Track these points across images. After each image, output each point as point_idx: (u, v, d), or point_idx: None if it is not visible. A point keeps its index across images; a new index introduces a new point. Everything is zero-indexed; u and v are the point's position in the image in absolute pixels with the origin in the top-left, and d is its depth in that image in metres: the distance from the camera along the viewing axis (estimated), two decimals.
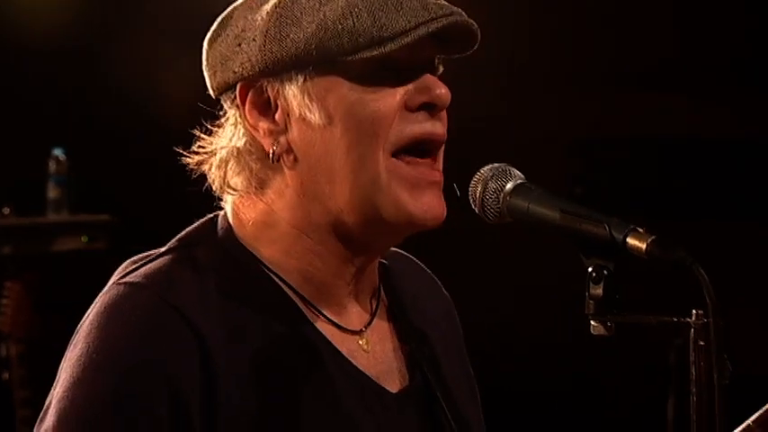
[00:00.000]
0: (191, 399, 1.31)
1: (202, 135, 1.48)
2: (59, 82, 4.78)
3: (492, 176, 1.38)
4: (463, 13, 1.40)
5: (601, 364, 4.25)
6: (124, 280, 1.39)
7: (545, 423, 4.71)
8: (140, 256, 1.46)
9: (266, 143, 1.42)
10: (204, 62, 1.48)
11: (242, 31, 1.42)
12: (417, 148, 1.41)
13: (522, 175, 1.38)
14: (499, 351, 4.50)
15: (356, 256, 1.45)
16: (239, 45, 1.42)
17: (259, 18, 1.40)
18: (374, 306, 1.53)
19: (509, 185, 1.37)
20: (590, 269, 1.30)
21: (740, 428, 1.55)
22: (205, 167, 1.47)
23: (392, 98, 1.39)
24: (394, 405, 1.47)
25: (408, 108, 1.40)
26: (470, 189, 1.41)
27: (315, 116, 1.39)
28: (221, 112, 1.48)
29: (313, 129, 1.40)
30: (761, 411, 1.60)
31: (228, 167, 1.45)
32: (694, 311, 1.21)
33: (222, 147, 1.46)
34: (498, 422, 1.85)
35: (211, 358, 1.33)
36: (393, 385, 1.48)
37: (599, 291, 1.28)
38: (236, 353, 1.35)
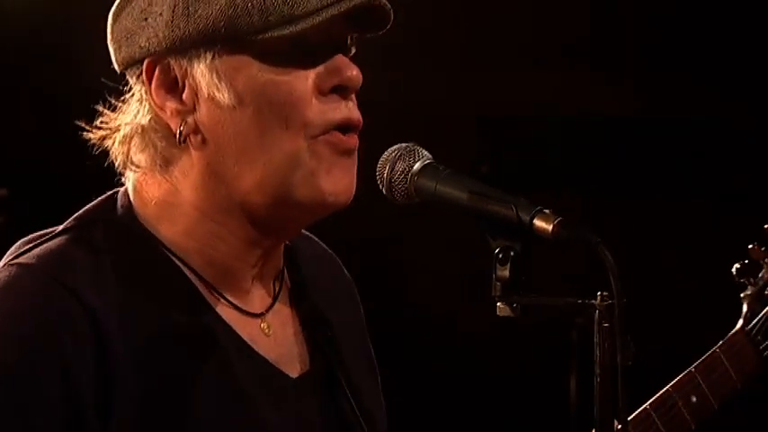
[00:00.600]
0: (84, 384, 1.27)
1: (105, 110, 1.43)
2: None
3: (399, 156, 1.37)
4: None
5: (504, 343, 4.28)
6: (16, 261, 1.35)
7: (448, 403, 4.72)
8: (35, 235, 1.41)
9: (173, 123, 1.38)
10: (109, 35, 1.43)
11: (148, 5, 1.37)
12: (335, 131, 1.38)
13: (430, 155, 1.37)
14: (406, 334, 4.50)
15: (261, 239, 1.42)
16: (146, 20, 1.37)
17: None
18: (277, 289, 1.50)
19: (417, 165, 1.36)
20: (496, 250, 1.29)
21: (638, 411, 1.58)
22: (108, 143, 1.42)
23: (304, 80, 1.36)
24: (294, 390, 1.45)
25: (321, 91, 1.36)
26: (378, 170, 1.38)
27: (224, 96, 1.35)
28: (126, 88, 1.44)
29: (222, 109, 1.36)
30: (658, 395, 1.63)
31: (132, 144, 1.41)
32: (599, 293, 1.22)
33: (126, 123, 1.41)
34: (402, 402, 1.84)
35: (107, 343, 1.29)
36: (293, 370, 1.46)
37: (505, 272, 1.28)
38: (133, 338, 1.31)
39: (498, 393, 4.69)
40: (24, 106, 4.66)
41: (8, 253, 1.40)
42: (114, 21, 1.42)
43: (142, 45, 1.38)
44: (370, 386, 1.59)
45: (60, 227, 1.41)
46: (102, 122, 1.43)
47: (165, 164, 1.40)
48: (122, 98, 1.44)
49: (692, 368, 1.69)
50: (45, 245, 1.37)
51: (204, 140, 1.37)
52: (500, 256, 1.29)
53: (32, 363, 1.26)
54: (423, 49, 4.69)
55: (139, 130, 1.40)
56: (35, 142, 4.57)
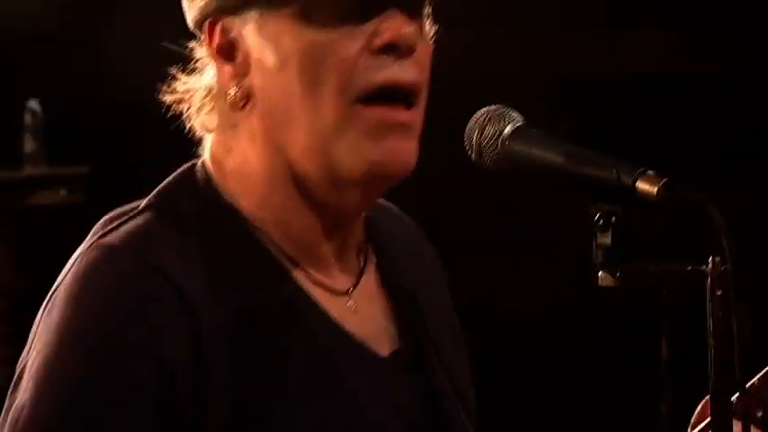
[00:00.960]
0: (177, 364, 1.22)
1: (178, 73, 1.37)
2: None
3: (489, 119, 1.28)
4: None
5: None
6: (102, 242, 1.29)
7: (529, 372, 4.66)
8: (118, 212, 1.35)
9: (229, 87, 1.32)
10: None
11: None
12: (385, 97, 1.29)
13: (521, 117, 1.29)
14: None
15: (330, 212, 1.34)
16: None
17: None
18: (362, 264, 1.43)
19: (508, 128, 1.27)
20: (596, 216, 1.21)
21: (761, 374, 1.48)
22: (183, 107, 1.37)
23: (351, 40, 1.27)
24: (386, 369, 1.38)
25: (371, 50, 1.27)
26: (466, 134, 1.30)
27: (270, 58, 1.28)
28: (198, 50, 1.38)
29: (270, 72, 1.29)
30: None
31: (204, 108, 1.36)
32: (711, 258, 1.13)
33: (198, 86, 1.36)
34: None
35: (197, 323, 1.23)
36: (384, 348, 1.39)
37: (607, 239, 1.20)
38: (222, 316, 1.26)
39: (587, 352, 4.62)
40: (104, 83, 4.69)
41: (92, 232, 1.34)
42: None
43: (201, 6, 1.32)
44: (460, 362, 1.52)
45: (143, 202, 1.35)
46: (175, 86, 1.37)
47: (233, 130, 1.34)
48: (196, 59, 1.37)
49: None
50: (130, 223, 1.31)
51: (257, 105, 1.31)
52: (600, 222, 1.20)
53: (125, 345, 1.22)
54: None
55: (209, 94, 1.35)
56: (116, 118, 4.59)
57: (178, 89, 1.37)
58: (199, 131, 1.38)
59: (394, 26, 1.27)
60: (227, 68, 1.32)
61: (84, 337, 1.24)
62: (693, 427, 1.49)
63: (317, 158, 1.29)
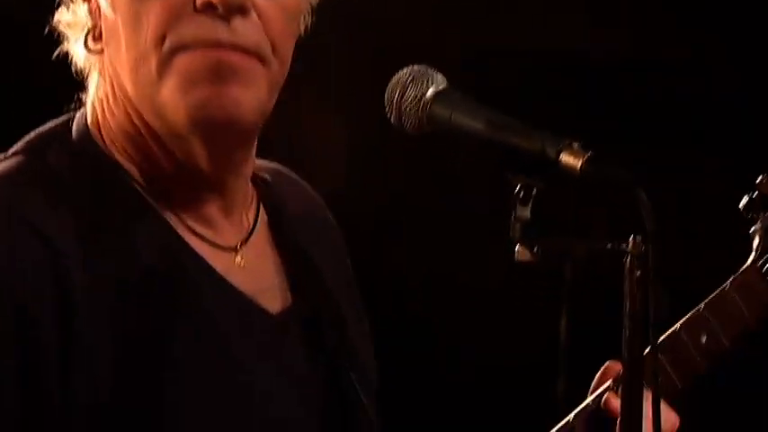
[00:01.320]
0: (44, 322, 1.17)
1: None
2: None
3: (411, 80, 1.23)
4: None
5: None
6: None
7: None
8: None
9: (89, 23, 1.29)
10: None
11: None
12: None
13: (445, 79, 1.24)
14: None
15: (188, 167, 1.29)
16: None
17: None
18: (251, 222, 1.39)
19: (430, 91, 1.22)
20: (517, 188, 1.17)
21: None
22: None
23: None
24: (274, 327, 1.34)
25: (195, 7, 1.23)
26: (387, 95, 1.25)
27: (104, 6, 1.26)
28: None
29: (107, 19, 1.26)
30: (665, 336, 1.54)
31: (76, 45, 1.32)
32: (632, 237, 1.10)
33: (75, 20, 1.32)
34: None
35: (67, 277, 1.18)
36: (274, 304, 1.35)
37: (526, 212, 1.16)
38: (97, 271, 1.20)
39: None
40: None
41: None
42: None
43: None
44: (360, 332, 1.49)
45: (9, 151, 1.29)
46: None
47: (98, 71, 1.31)
48: None
49: (700, 306, 1.59)
50: None
51: (102, 49, 1.29)
52: (521, 194, 1.17)
53: None
54: None
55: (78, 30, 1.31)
56: None
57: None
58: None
59: None
60: (83, 6, 1.29)
61: None
62: (593, 392, 1.49)
63: (146, 107, 1.25)
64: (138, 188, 1.29)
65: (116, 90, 1.28)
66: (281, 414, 1.30)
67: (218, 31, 1.22)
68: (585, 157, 1.13)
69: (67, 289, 1.17)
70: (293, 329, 1.36)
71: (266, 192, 1.43)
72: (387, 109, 1.25)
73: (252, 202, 1.40)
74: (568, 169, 1.14)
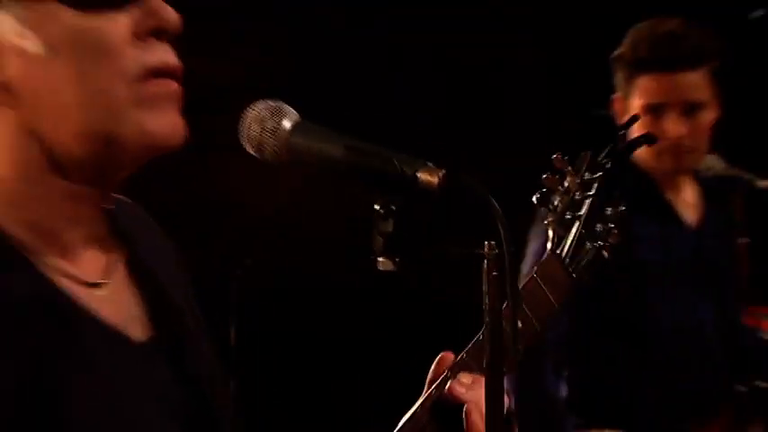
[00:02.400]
0: None
1: None
2: None
3: (269, 115, 1.32)
4: None
5: None
6: None
7: None
8: None
9: None
10: None
11: None
12: (159, 74, 1.31)
13: (297, 113, 1.34)
14: None
15: (83, 194, 1.34)
16: None
17: None
18: (113, 251, 1.43)
19: (287, 123, 1.32)
20: (377, 206, 1.28)
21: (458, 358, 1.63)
22: None
23: (119, 24, 1.27)
24: (143, 354, 1.38)
25: (137, 36, 1.29)
26: (243, 128, 1.33)
27: (34, 46, 1.26)
28: None
29: (34, 62, 1.26)
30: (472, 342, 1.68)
31: None
32: (487, 242, 1.24)
33: None
34: None
35: None
36: (139, 334, 1.39)
37: (388, 227, 1.28)
38: None
39: None
40: None
41: None
42: None
43: None
44: (208, 349, 1.55)
45: None
46: None
47: None
48: None
49: None
50: None
51: (15, 97, 1.28)
52: (381, 211, 1.28)
53: None
54: None
55: None
56: None
57: None
58: None
59: (158, 12, 1.30)
60: None
61: None
62: (430, 384, 1.62)
63: (94, 138, 1.28)
64: (4, 236, 1.29)
65: (14, 137, 1.29)
66: (152, 425, 1.34)
67: (170, 54, 1.31)
68: (441, 173, 1.25)
69: None
70: (156, 355, 1.40)
71: (115, 224, 1.46)
72: (244, 140, 1.33)
73: (108, 235, 1.43)
74: (426, 186, 1.26)
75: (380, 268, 1.29)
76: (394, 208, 1.28)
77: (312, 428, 4.98)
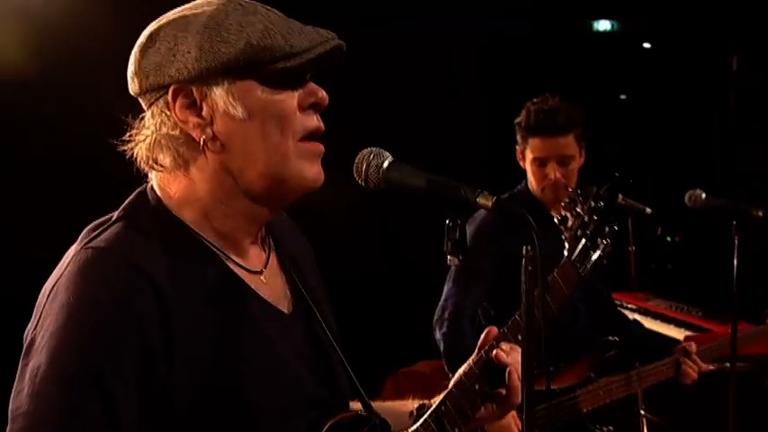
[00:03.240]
0: (153, 334, 1.66)
1: (132, 125, 1.84)
2: None
3: (373, 157, 1.86)
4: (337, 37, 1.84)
5: None
6: (91, 245, 1.72)
7: None
8: (96, 223, 1.80)
9: (195, 133, 1.79)
10: (134, 67, 1.81)
11: (175, 44, 1.76)
12: (310, 136, 1.85)
13: (390, 155, 1.88)
14: None
15: (259, 215, 1.87)
16: (174, 56, 1.76)
17: (190, 36, 1.75)
18: (267, 250, 1.98)
19: (386, 162, 1.86)
20: (447, 221, 1.82)
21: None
22: (135, 151, 1.83)
23: (292, 99, 1.81)
24: (290, 322, 1.92)
25: (301, 107, 1.82)
26: (356, 166, 1.88)
27: (237, 111, 1.77)
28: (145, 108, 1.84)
29: (235, 121, 1.78)
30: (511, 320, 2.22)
31: (157, 150, 1.81)
32: (524, 247, 1.74)
33: (150, 134, 1.82)
34: None
35: (165, 302, 1.68)
36: (286, 308, 1.93)
37: (455, 235, 1.81)
38: (181, 296, 1.71)
39: None
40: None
41: (80, 238, 1.78)
42: (141, 56, 1.80)
43: (171, 75, 1.77)
44: (332, 317, 2.08)
45: (114, 216, 1.81)
46: (129, 136, 1.84)
47: (185, 164, 1.82)
48: (141, 116, 1.84)
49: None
50: (108, 231, 1.76)
51: (221, 145, 1.79)
52: (450, 224, 1.81)
53: (118, 319, 1.65)
54: None
55: (165, 139, 1.80)
56: None
57: (131, 138, 1.83)
58: (148, 167, 1.84)
59: (316, 93, 1.85)
60: (193, 119, 1.79)
61: (87, 312, 1.65)
62: (480, 350, 2.15)
63: (270, 179, 1.81)
64: (201, 239, 1.82)
65: (208, 174, 1.81)
66: (298, 375, 1.87)
67: (318, 121, 1.84)
68: (494, 199, 1.77)
69: (165, 310, 1.67)
70: (298, 324, 1.94)
71: (269, 228, 2.00)
72: (356, 175, 1.88)
73: (265, 236, 1.98)
74: (483, 207, 1.78)
75: (449, 263, 1.83)
76: (459, 222, 1.81)
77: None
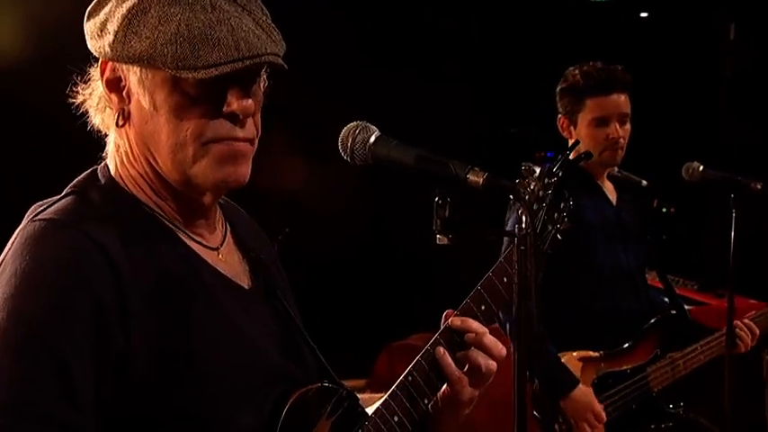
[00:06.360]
0: (108, 303, 1.63)
1: (79, 81, 1.83)
2: None
3: (359, 131, 1.80)
4: (273, 46, 1.72)
5: None
6: (39, 217, 1.69)
7: None
8: (44, 201, 1.78)
9: (115, 110, 1.78)
10: (84, 24, 1.79)
11: (104, 21, 1.73)
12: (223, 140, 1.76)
13: (377, 129, 1.82)
14: None
15: (195, 200, 1.83)
16: (101, 31, 1.74)
17: (118, 16, 1.71)
18: (223, 230, 1.95)
19: (372, 137, 1.80)
20: (437, 198, 1.75)
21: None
22: (87, 107, 1.83)
23: (206, 104, 1.72)
24: (250, 297, 1.90)
25: (214, 113, 1.73)
26: (341, 142, 1.82)
27: (145, 102, 1.73)
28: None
29: (144, 111, 1.74)
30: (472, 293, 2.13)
31: (99, 110, 1.82)
32: (516, 225, 1.70)
33: (95, 92, 1.81)
34: None
35: (120, 274, 1.65)
36: (245, 284, 1.91)
37: (444, 213, 1.75)
38: (135, 268, 1.68)
39: None
40: None
41: (26, 216, 1.75)
42: (87, 20, 1.78)
43: (97, 49, 1.76)
44: (290, 297, 2.06)
45: (63, 192, 1.78)
46: (76, 90, 1.83)
47: (119, 137, 1.81)
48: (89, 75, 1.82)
49: (478, 287, 2.15)
50: (56, 204, 1.74)
51: (134, 128, 1.77)
52: (440, 201, 1.75)
53: (70, 288, 1.61)
54: None
55: (95, 100, 1.81)
56: None
57: (80, 92, 1.82)
58: (103, 127, 1.83)
59: (237, 102, 1.74)
60: (113, 96, 1.78)
61: (38, 281, 1.62)
62: (445, 320, 2.07)
63: (178, 174, 1.77)
64: (155, 214, 1.79)
65: (137, 153, 1.78)
66: (261, 347, 1.84)
67: (237, 130, 1.75)
68: (485, 175, 1.72)
69: (120, 280, 1.64)
70: (259, 298, 1.92)
71: (224, 210, 1.98)
72: (341, 150, 1.82)
73: (220, 217, 1.95)
74: (473, 184, 1.72)
75: (438, 243, 1.77)
76: (449, 199, 1.75)
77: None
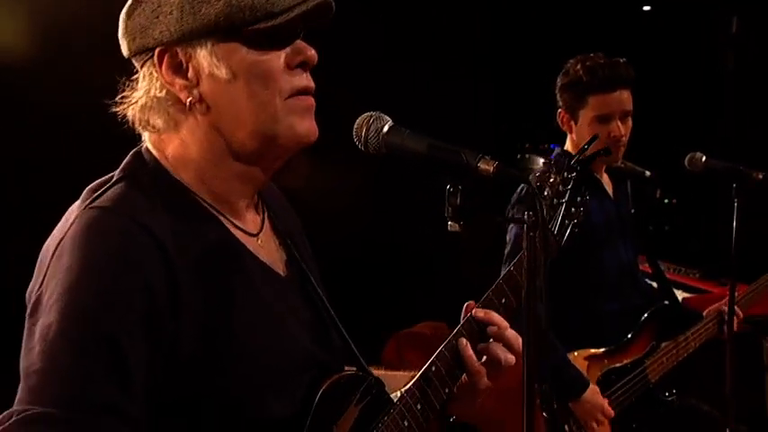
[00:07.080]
0: (160, 291, 1.68)
1: (125, 89, 1.86)
2: None
3: (372, 120, 1.85)
4: None
5: None
6: (95, 204, 1.74)
7: None
8: (96, 183, 1.82)
9: (182, 95, 1.81)
10: (122, 30, 1.84)
11: (158, 5, 1.78)
12: (300, 93, 1.85)
13: (390, 119, 1.87)
14: None
15: (253, 176, 1.89)
16: (157, 17, 1.78)
17: None
18: (262, 215, 2.00)
19: (386, 127, 1.85)
20: (448, 186, 1.79)
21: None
22: (129, 113, 1.86)
23: (277, 59, 1.82)
24: (286, 284, 1.95)
25: (289, 66, 1.83)
26: (355, 131, 1.87)
27: (221, 72, 1.79)
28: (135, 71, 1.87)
29: (220, 82, 1.79)
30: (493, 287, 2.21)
31: (150, 111, 1.84)
32: (526, 212, 1.72)
33: (141, 96, 1.84)
34: None
35: (169, 260, 1.71)
36: (282, 271, 1.97)
37: (456, 201, 1.79)
38: (183, 253, 1.73)
39: None
40: None
41: (81, 198, 1.80)
42: (128, 18, 1.82)
43: (156, 37, 1.79)
44: (321, 282, 2.10)
45: (114, 176, 1.83)
46: (122, 98, 1.86)
47: (176, 125, 1.84)
48: (134, 78, 1.86)
49: (499, 281, 2.26)
50: (110, 191, 1.78)
51: (207, 107, 1.81)
52: (451, 189, 1.79)
53: (126, 278, 1.67)
54: None
55: (155, 101, 1.83)
56: None
57: (124, 100, 1.86)
58: (142, 128, 1.87)
59: (303, 51, 1.85)
60: (179, 81, 1.81)
61: (95, 270, 1.67)
62: (467, 311, 2.16)
63: (260, 137, 1.82)
64: (199, 199, 1.84)
65: (200, 137, 1.83)
66: (296, 335, 1.90)
67: (311, 81, 1.84)
68: (495, 164, 1.76)
69: (170, 267, 1.69)
70: (293, 286, 1.97)
71: (261, 195, 2.02)
72: (355, 139, 1.87)
73: (259, 202, 2.00)
74: (484, 173, 1.76)
75: (449, 229, 1.82)
76: (460, 187, 1.79)
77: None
